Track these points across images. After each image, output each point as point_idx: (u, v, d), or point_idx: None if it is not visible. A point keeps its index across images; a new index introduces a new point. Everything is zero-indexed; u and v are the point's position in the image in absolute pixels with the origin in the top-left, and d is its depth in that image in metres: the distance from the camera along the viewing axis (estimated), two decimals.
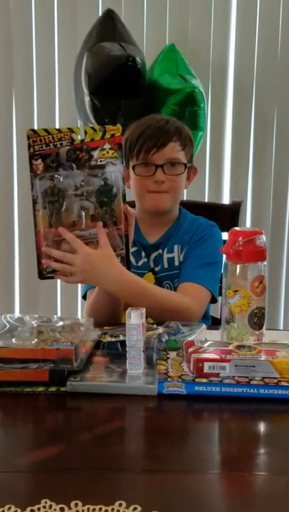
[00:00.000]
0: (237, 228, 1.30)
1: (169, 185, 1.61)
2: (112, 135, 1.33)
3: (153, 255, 1.67)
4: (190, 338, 1.25)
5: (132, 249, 1.58)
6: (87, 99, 2.37)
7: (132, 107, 2.37)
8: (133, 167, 1.62)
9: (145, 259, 1.67)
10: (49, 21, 2.78)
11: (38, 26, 2.79)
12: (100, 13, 2.66)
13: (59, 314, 2.97)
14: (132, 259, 1.64)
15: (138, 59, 2.33)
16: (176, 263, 1.65)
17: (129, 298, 1.42)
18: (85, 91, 2.37)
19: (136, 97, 2.38)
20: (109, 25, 2.45)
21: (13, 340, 1.15)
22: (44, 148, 1.33)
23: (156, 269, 1.66)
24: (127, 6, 2.73)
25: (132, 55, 2.31)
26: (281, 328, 2.99)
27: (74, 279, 1.37)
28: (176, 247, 1.67)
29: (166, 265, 1.66)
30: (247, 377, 1.07)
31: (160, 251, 1.67)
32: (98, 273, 1.37)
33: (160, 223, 1.69)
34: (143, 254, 1.67)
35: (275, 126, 2.90)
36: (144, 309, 1.13)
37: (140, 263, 1.66)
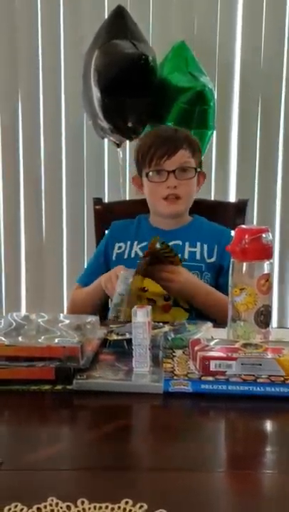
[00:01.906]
0: (243, 226, 1.29)
1: (182, 189, 1.71)
2: None
3: (171, 243, 1.72)
4: (196, 336, 1.24)
5: (140, 245, 1.74)
6: (96, 97, 2.36)
7: (142, 105, 2.37)
8: (146, 174, 1.72)
9: None
10: (54, 19, 2.78)
11: (43, 25, 2.79)
12: (106, 11, 2.66)
13: (65, 312, 2.97)
14: (139, 253, 1.74)
15: (150, 57, 2.32)
16: (198, 257, 1.73)
17: (204, 298, 1.61)
18: (95, 89, 2.36)
19: (146, 95, 2.37)
20: (120, 23, 2.43)
21: (20, 338, 1.15)
22: None
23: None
24: (133, 3, 2.72)
25: (145, 54, 2.30)
26: (288, 327, 2.98)
27: (174, 288, 1.57)
28: (198, 243, 1.74)
29: (186, 256, 1.73)
30: (253, 375, 1.06)
31: (180, 242, 1.74)
32: (192, 282, 1.60)
33: (173, 224, 1.79)
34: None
35: (281, 123, 2.89)
36: (150, 307, 1.13)
37: None
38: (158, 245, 1.51)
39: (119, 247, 1.79)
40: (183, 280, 1.57)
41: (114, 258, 1.78)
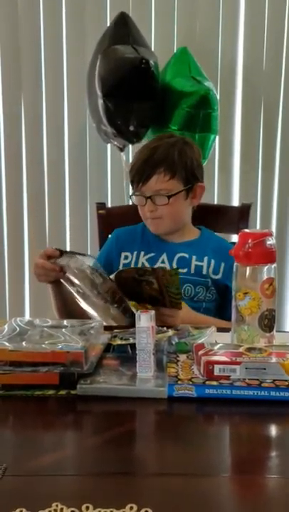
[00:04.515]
0: (247, 230, 1.29)
1: (162, 211, 1.69)
2: None
3: (177, 256, 1.73)
4: (200, 341, 1.24)
5: (147, 256, 1.74)
6: (100, 102, 2.37)
7: (145, 109, 2.37)
8: (130, 196, 1.74)
9: (161, 264, 1.72)
10: (57, 26, 2.78)
11: (46, 31, 2.79)
12: (108, 18, 2.67)
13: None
14: (146, 264, 1.74)
15: (151, 61, 2.33)
16: (204, 272, 1.71)
17: None
18: (99, 94, 2.37)
19: (149, 99, 2.38)
20: (123, 29, 2.45)
21: (24, 343, 1.15)
22: None
23: (182, 270, 1.70)
24: (135, 10, 2.73)
25: (145, 58, 2.31)
26: (288, 331, 2.97)
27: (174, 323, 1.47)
28: (206, 258, 1.72)
29: (192, 271, 1.71)
30: (258, 379, 1.06)
31: (186, 255, 1.73)
32: (190, 318, 1.51)
33: (176, 237, 1.76)
34: (161, 258, 1.73)
35: (284, 128, 2.89)
36: (154, 312, 1.13)
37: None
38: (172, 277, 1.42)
39: (126, 257, 1.77)
40: (179, 323, 1.47)
41: (120, 268, 1.76)
